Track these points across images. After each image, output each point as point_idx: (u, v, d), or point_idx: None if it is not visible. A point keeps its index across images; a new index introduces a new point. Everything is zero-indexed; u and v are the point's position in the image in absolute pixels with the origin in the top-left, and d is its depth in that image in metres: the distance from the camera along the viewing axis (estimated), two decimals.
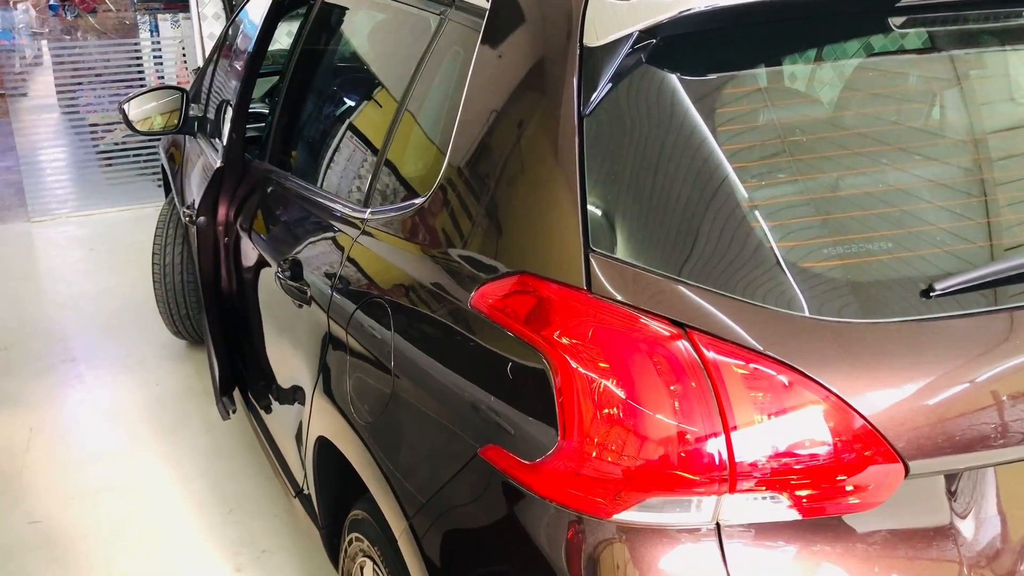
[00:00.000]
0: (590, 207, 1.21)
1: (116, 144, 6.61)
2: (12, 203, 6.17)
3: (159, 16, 6.53)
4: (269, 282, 2.16)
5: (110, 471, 3.12)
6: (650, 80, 1.26)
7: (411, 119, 1.72)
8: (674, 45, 1.27)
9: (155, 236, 3.79)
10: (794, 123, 1.27)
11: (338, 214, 1.84)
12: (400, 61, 1.93)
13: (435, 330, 1.38)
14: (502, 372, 1.22)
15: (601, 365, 1.11)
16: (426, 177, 1.59)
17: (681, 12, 1.22)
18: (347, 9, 2.26)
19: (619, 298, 1.15)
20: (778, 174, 1.23)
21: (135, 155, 6.54)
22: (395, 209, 1.61)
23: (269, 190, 2.33)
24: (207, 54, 6.19)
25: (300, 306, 1.86)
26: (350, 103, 2.16)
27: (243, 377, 2.72)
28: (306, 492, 2.08)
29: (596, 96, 1.26)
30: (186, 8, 6.29)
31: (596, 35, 1.29)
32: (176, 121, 3.14)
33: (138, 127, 3.06)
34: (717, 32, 1.28)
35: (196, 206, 2.60)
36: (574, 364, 1.12)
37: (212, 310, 2.57)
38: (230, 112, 2.52)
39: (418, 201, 1.53)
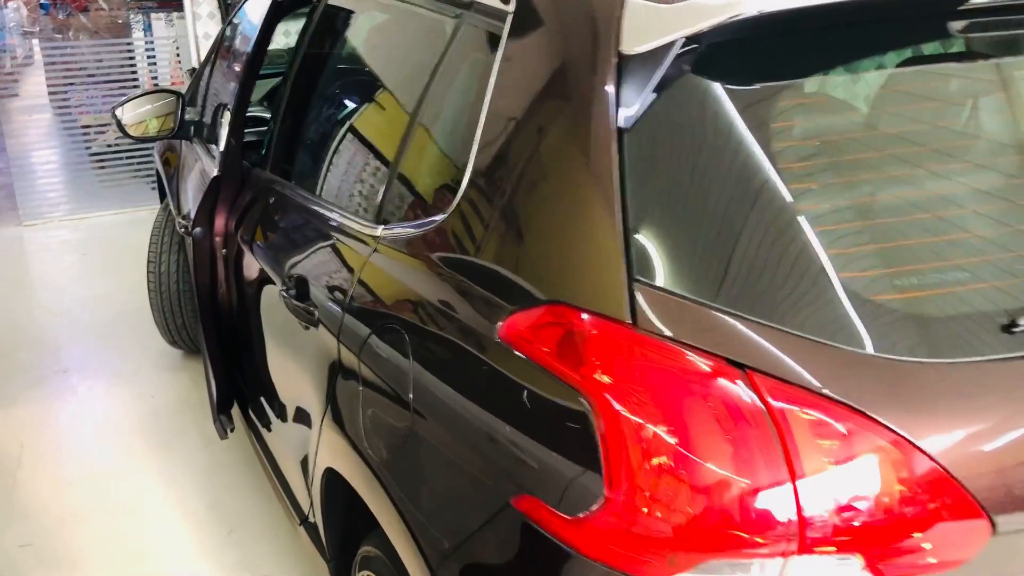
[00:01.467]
0: (632, 232, 1.10)
1: (109, 146, 6.48)
2: (3, 207, 6.04)
3: (152, 15, 6.40)
4: (272, 299, 2.04)
5: (105, 489, 3.01)
6: (696, 91, 1.16)
7: (426, 130, 1.61)
8: (721, 52, 1.16)
9: (150, 243, 3.67)
10: (856, 139, 1.17)
11: (347, 230, 1.73)
12: (412, 67, 1.82)
13: (459, 362, 1.27)
14: (536, 413, 1.11)
15: (650, 409, 1.00)
16: (445, 193, 1.48)
17: (730, 18, 1.11)
18: (353, 12, 2.15)
19: (668, 333, 1.05)
20: (841, 197, 1.12)
21: (128, 157, 6.40)
22: (411, 226, 1.50)
23: (271, 200, 2.21)
24: (201, 54, 6.09)
25: (306, 327, 1.75)
26: (358, 111, 2.05)
27: (242, 394, 2.61)
28: (312, 521, 1.97)
29: (636, 108, 1.15)
30: (180, 7, 6.17)
31: (634, 41, 1.18)
32: (171, 125, 3.03)
33: (132, 132, 2.94)
34: (768, 38, 1.17)
35: (192, 216, 2.48)
36: (620, 408, 1.01)
37: (209, 325, 2.46)
38: (227, 117, 2.41)
39: (437, 219, 1.41)
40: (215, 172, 2.37)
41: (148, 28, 6.44)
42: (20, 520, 2.85)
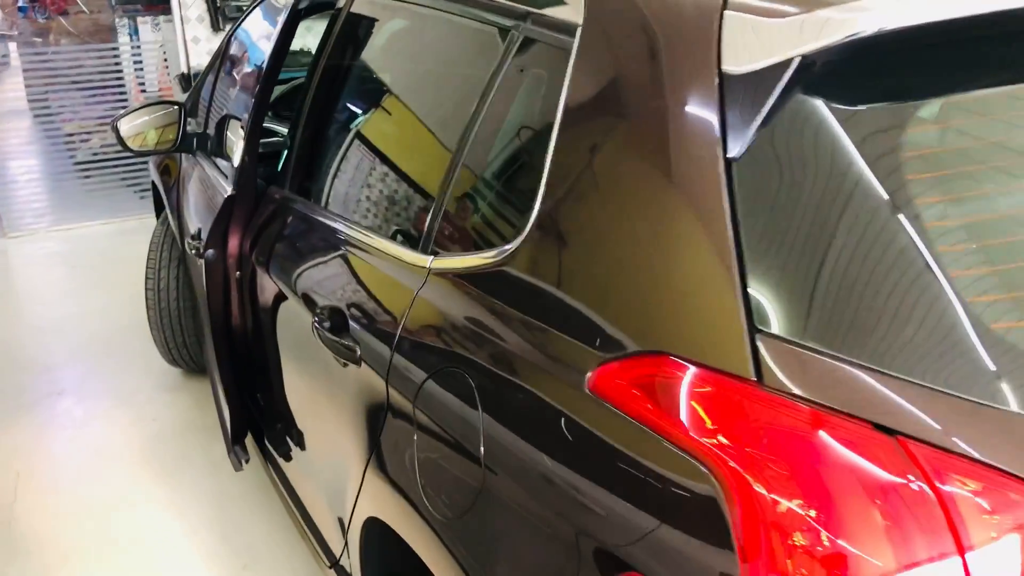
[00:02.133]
0: (751, 275, 0.98)
1: (95, 154, 6.29)
2: None
3: (139, 19, 6.21)
4: (298, 329, 1.91)
5: (109, 522, 2.86)
6: (810, 114, 1.03)
7: (482, 149, 1.47)
8: (838, 70, 1.04)
9: (148, 258, 3.52)
10: (1000, 168, 1.05)
11: (389, 259, 1.59)
12: (459, 81, 1.69)
13: (540, 415, 1.14)
14: (641, 479, 0.99)
15: (790, 485, 0.88)
16: (510, 221, 1.35)
17: (849, 36, 0.99)
18: (382, 19, 2.01)
19: (802, 394, 0.92)
20: (995, 235, 1.00)
21: (115, 165, 6.22)
22: (470, 257, 1.37)
23: (291, 222, 2.07)
24: (191, 59, 5.91)
25: (345, 364, 1.61)
26: (394, 127, 1.91)
27: (256, 423, 2.47)
28: (344, 566, 1.84)
29: (748, 135, 1.03)
30: (167, 10, 5.99)
31: (739, 59, 1.06)
32: (173, 137, 2.88)
33: (132, 145, 2.79)
34: (896, 57, 1.05)
35: (202, 236, 2.34)
36: (754, 482, 0.88)
37: (222, 351, 2.32)
38: (240, 132, 2.26)
39: (507, 248, 1.28)
40: (228, 190, 2.23)
41: (134, 32, 6.25)
42: (22, 558, 2.69)
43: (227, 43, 2.86)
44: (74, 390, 3.72)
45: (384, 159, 1.87)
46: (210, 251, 2.21)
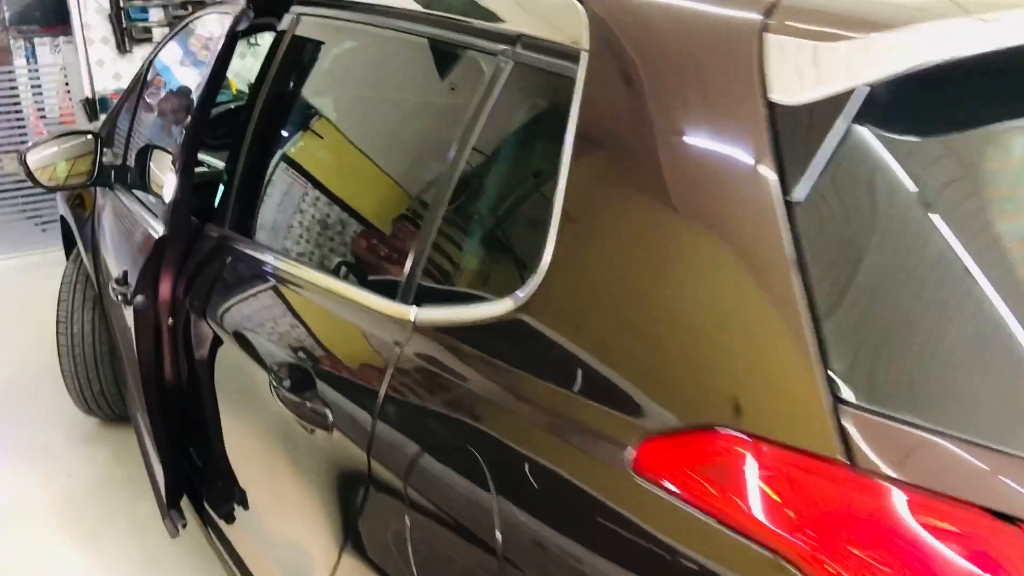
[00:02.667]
0: (827, 335, 0.85)
1: None
2: None
3: (36, 40, 5.84)
4: (246, 383, 1.71)
5: None
6: (883, 149, 0.92)
7: (471, 186, 1.32)
8: (907, 100, 0.93)
9: (59, 300, 3.23)
10: None
11: (361, 308, 1.42)
12: (436, 110, 1.53)
13: (572, 498, 0.99)
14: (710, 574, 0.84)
15: None
16: (514, 268, 1.20)
17: (918, 65, 0.88)
18: (331, 43, 1.83)
19: (900, 476, 0.79)
20: None
21: (13, 195, 5.83)
22: (466, 309, 1.21)
23: (234, 265, 1.87)
24: (95, 83, 5.58)
25: (312, 431, 1.43)
26: (356, 161, 1.73)
27: (191, 483, 2.24)
28: None
29: (810, 174, 0.90)
30: (68, 31, 5.65)
31: (791, 88, 0.94)
32: (88, 169, 2.63)
33: (44, 181, 2.53)
34: (966, 85, 0.94)
35: (130, 280, 2.11)
36: None
37: (154, 406, 2.09)
38: (170, 165, 2.06)
39: (518, 297, 1.12)
40: (159, 230, 2.02)
41: (31, 54, 5.87)
42: None
43: (147, 67, 2.64)
44: None
45: (346, 196, 1.69)
46: (140, 297, 1.99)
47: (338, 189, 1.71)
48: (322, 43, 1.85)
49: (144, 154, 2.31)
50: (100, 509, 2.98)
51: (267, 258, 1.74)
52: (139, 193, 2.42)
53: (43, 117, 5.86)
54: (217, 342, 1.84)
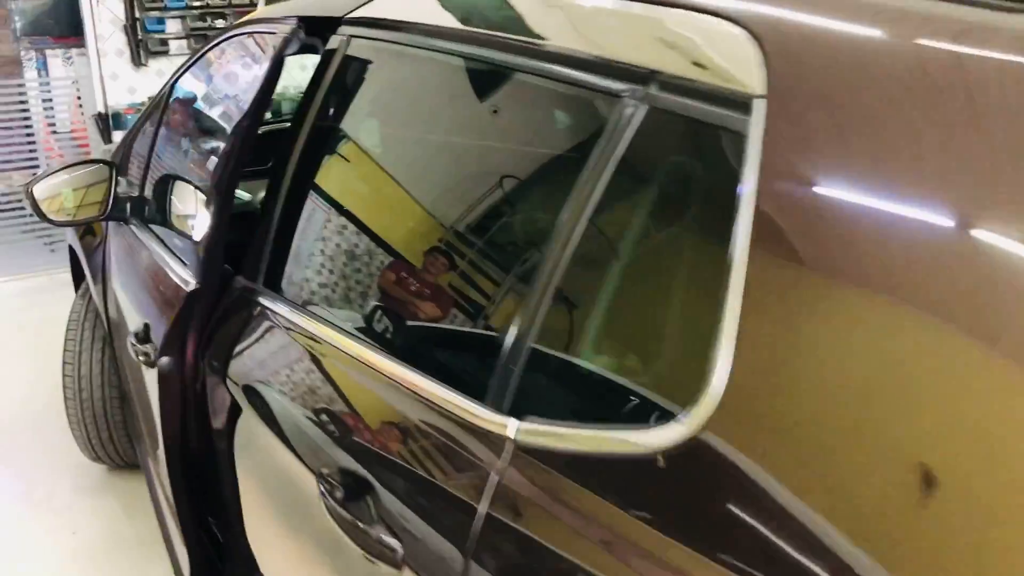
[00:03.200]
0: None
1: None
2: None
3: (48, 52, 5.60)
4: (289, 483, 1.42)
5: None
6: None
7: (595, 261, 1.04)
8: None
9: (67, 339, 2.96)
10: None
11: (441, 411, 1.13)
12: (535, 162, 1.25)
13: None
14: None
15: None
16: (662, 371, 0.92)
17: None
18: (398, 72, 1.55)
19: None
20: None
21: (19, 211, 5.57)
22: (600, 433, 0.93)
23: (270, 332, 1.59)
24: (108, 97, 5.33)
25: (374, 562, 1.14)
26: (430, 218, 1.45)
27: (217, 566, 1.96)
28: None
29: None
30: (81, 43, 5.41)
31: None
32: (101, 199, 2.36)
33: (53, 216, 2.27)
34: None
35: (151, 336, 1.84)
36: None
37: (179, 485, 1.82)
38: (202, 204, 1.79)
39: (677, 426, 0.83)
40: (189, 280, 1.74)
41: (43, 66, 5.63)
42: None
43: (170, 89, 2.37)
44: None
45: (417, 261, 1.40)
46: (166, 360, 1.72)
47: (406, 251, 1.42)
48: (382, 70, 1.57)
49: (166, 187, 2.04)
50: (109, 572, 2.70)
51: (314, 328, 1.45)
52: (159, 229, 2.14)
53: (54, 132, 5.62)
54: (254, 424, 1.56)
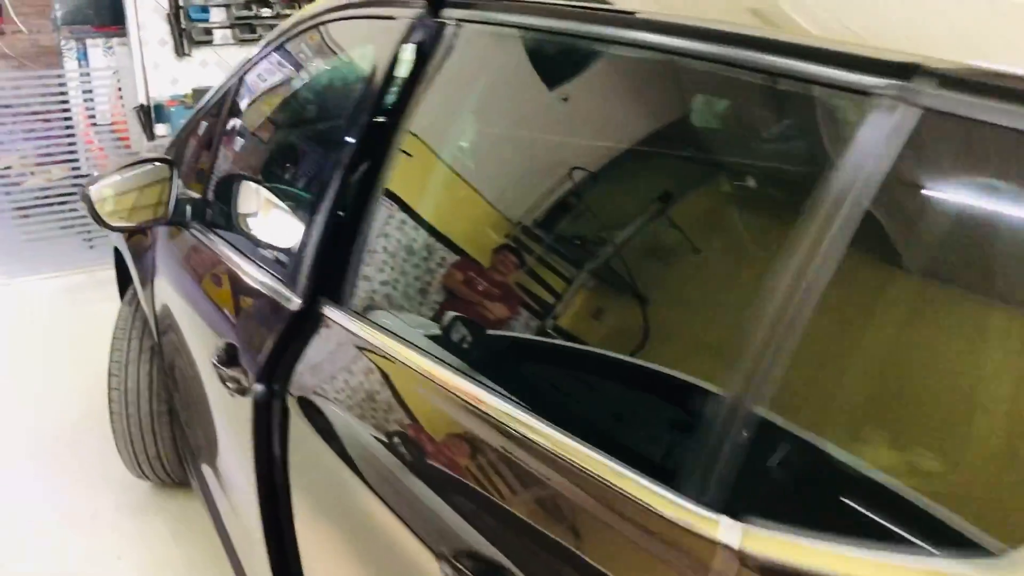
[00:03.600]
0: None
1: (35, 193, 5.46)
2: None
3: (88, 41, 5.41)
4: (403, 562, 1.18)
5: None
6: None
7: (871, 311, 0.79)
8: None
9: (112, 350, 2.75)
10: None
11: (615, 496, 0.89)
12: (751, 177, 1.00)
13: None
14: None
15: None
16: (984, 489, 0.68)
17: None
18: (533, 65, 1.29)
19: None
20: None
21: (59, 205, 5.40)
22: (882, 552, 0.68)
23: (376, 370, 1.34)
24: (150, 87, 5.14)
25: None
26: (612, 251, 1.16)
27: None
28: None
29: None
30: (122, 32, 5.22)
31: None
32: (160, 200, 2.14)
33: (110, 220, 2.05)
34: None
35: (241, 359, 1.61)
36: None
37: (272, 524, 1.59)
38: (301, 215, 1.56)
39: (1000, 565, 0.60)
40: (291, 299, 1.51)
41: (83, 56, 5.44)
42: None
43: (240, 80, 2.12)
44: (6, 514, 2.91)
45: (585, 302, 1.14)
46: (261, 388, 1.50)
47: (553, 279, 1.17)
48: (511, 63, 1.32)
49: (246, 191, 1.82)
50: None
51: (441, 376, 1.19)
52: (234, 236, 1.91)
53: (94, 124, 5.43)
54: (355, 480, 1.32)
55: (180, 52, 5.10)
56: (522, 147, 1.28)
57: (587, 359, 1.07)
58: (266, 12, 5.20)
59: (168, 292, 2.28)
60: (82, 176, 5.42)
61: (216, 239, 1.98)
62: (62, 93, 5.27)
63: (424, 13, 1.39)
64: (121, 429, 2.75)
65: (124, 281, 3.00)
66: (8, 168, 5.52)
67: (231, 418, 1.76)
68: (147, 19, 5.03)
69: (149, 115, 5.04)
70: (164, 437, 2.75)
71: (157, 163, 2.13)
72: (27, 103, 5.31)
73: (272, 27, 5.37)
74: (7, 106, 5.32)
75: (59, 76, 5.39)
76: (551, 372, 1.13)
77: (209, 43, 5.13)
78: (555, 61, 1.22)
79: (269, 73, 1.93)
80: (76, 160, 5.42)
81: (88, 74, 5.46)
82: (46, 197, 5.42)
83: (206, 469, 2.21)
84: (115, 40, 5.39)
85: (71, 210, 5.34)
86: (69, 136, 5.34)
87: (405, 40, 1.38)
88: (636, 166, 1.10)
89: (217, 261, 1.92)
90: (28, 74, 5.74)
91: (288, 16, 5.21)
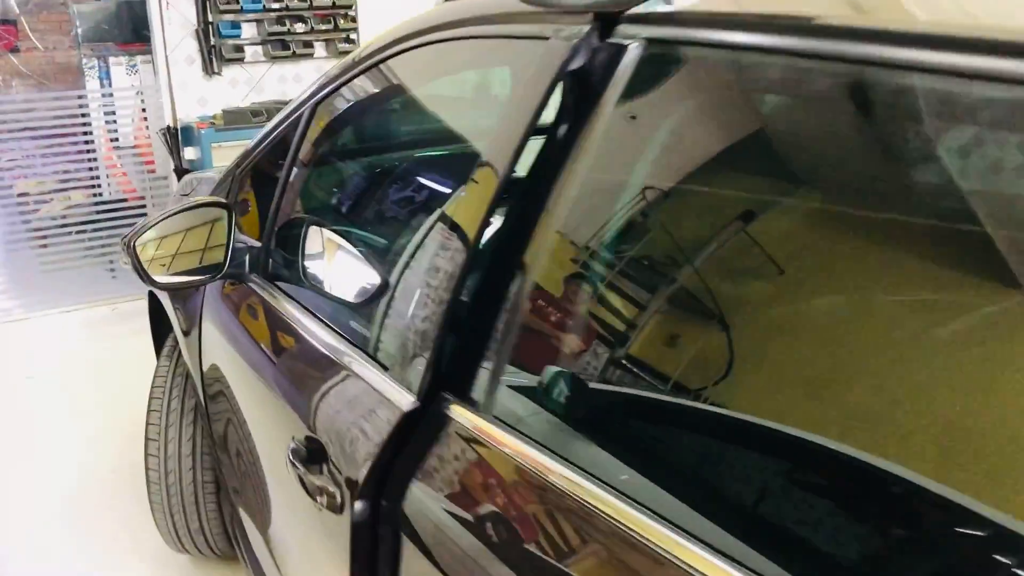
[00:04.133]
0: None
1: (54, 219, 5.17)
2: None
3: (111, 59, 5.12)
4: None
5: None
6: None
7: None
8: None
9: (149, 411, 2.43)
10: None
11: None
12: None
13: None
14: None
15: None
16: None
17: None
18: (742, 94, 0.97)
19: None
20: None
21: (79, 232, 5.10)
22: None
23: (517, 487, 1.02)
24: (178, 108, 4.83)
25: None
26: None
27: None
28: None
29: None
30: (147, 50, 4.92)
31: None
32: (212, 246, 1.81)
33: (158, 277, 1.73)
34: None
35: (325, 456, 1.29)
36: None
37: None
38: (431, 294, 1.22)
39: None
40: (403, 397, 1.18)
41: (106, 75, 5.15)
42: None
43: (312, 108, 1.79)
44: None
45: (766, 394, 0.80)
46: (361, 504, 1.16)
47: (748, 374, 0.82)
48: (715, 90, 0.99)
49: (329, 245, 1.50)
50: None
51: (631, 516, 0.87)
52: (311, 296, 1.58)
53: (116, 146, 5.13)
54: None
55: (209, 70, 4.80)
56: (769, 215, 0.93)
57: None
58: (300, 28, 4.90)
59: (220, 350, 1.95)
60: (103, 202, 5.13)
61: (284, 298, 1.65)
62: (83, 116, 4.97)
63: (591, 30, 1.06)
64: (160, 500, 2.42)
65: (156, 323, 2.68)
66: (25, 195, 5.23)
67: (313, 526, 1.43)
68: (174, 36, 4.73)
69: (176, 138, 4.73)
70: (208, 509, 2.43)
71: (210, 206, 1.81)
72: (46, 126, 5.02)
73: (306, 43, 5.07)
74: (25, 128, 5.03)
75: (80, 96, 5.10)
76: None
77: (240, 60, 4.83)
78: (825, 96, 0.88)
79: (358, 101, 1.59)
80: (98, 185, 5.13)
81: (111, 94, 5.16)
82: (65, 225, 5.12)
83: (265, 557, 1.88)
84: (139, 58, 5.11)
85: (93, 236, 5.04)
86: (90, 159, 5.04)
87: (566, 66, 1.05)
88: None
89: (288, 327, 1.59)
90: (46, 95, 5.45)
91: (323, 32, 4.88)
